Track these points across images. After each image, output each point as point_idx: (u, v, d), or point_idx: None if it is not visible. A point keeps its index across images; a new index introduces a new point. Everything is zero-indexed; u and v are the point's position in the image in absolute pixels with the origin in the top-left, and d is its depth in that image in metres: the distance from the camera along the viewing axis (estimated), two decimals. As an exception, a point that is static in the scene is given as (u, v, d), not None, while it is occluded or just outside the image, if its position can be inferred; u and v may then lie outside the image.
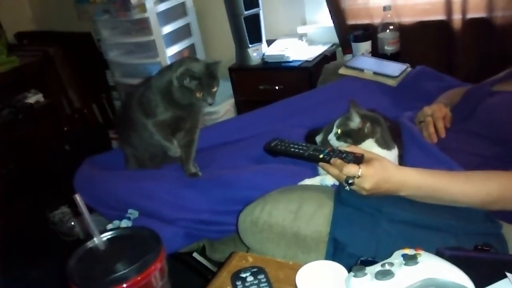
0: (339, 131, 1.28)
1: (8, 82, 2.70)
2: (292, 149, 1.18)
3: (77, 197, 0.76)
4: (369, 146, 1.24)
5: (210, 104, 1.47)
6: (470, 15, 2.11)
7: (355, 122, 1.26)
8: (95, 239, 0.76)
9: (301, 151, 1.15)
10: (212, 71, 1.44)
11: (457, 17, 2.13)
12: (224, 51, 2.80)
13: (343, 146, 1.24)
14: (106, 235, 0.78)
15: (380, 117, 1.32)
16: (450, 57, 2.22)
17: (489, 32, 2.10)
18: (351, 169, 1.02)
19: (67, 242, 2.41)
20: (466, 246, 0.87)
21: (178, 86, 1.42)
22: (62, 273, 0.72)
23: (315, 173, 1.37)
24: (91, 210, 1.41)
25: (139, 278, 0.70)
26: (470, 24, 2.12)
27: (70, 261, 0.73)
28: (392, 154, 1.28)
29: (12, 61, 2.71)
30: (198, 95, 1.42)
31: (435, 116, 1.45)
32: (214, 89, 1.45)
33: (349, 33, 2.37)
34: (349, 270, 0.72)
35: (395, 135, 1.40)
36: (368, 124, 1.26)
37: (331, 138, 1.31)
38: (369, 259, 0.79)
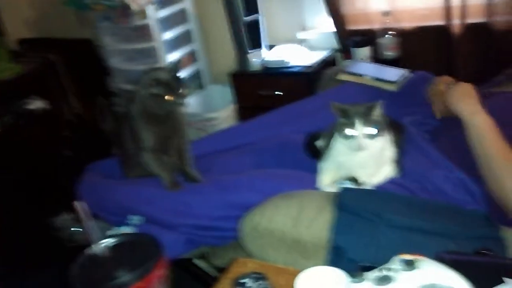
0: (371, 128, 1.27)
1: (9, 88, 2.71)
2: None
3: (78, 204, 0.77)
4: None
5: (181, 105, 1.51)
6: (469, 20, 2.12)
7: (378, 110, 1.28)
8: (96, 245, 0.77)
9: None
10: (175, 74, 1.50)
11: (456, 22, 2.14)
12: (225, 57, 2.81)
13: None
14: (108, 242, 0.79)
15: None
16: (449, 62, 2.23)
17: (488, 37, 2.11)
18: None
19: (69, 248, 2.41)
20: (466, 250, 0.88)
21: (149, 95, 1.47)
22: (63, 279, 0.73)
23: (315, 178, 1.39)
24: (93, 216, 1.42)
25: (140, 284, 0.71)
26: (469, 29, 2.13)
27: (72, 267, 0.74)
28: (384, 137, 1.33)
29: (14, 67, 2.73)
30: (168, 98, 1.46)
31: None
32: (182, 90, 1.49)
33: (349, 39, 2.38)
34: (349, 276, 0.72)
35: (398, 132, 1.45)
36: None
37: (362, 142, 1.27)
38: (369, 264, 0.79)
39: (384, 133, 1.30)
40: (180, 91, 1.48)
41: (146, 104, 1.49)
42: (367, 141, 1.27)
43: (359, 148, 1.26)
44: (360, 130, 1.26)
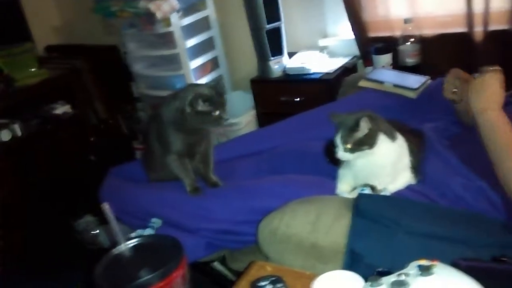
0: (349, 145, 1.28)
1: (37, 93, 2.78)
2: None
3: (105, 206, 0.79)
4: (382, 142, 1.27)
5: (227, 119, 1.53)
6: (492, 27, 2.10)
7: (363, 128, 1.27)
8: (120, 246, 0.80)
9: None
10: (218, 89, 1.51)
11: (478, 29, 2.12)
12: (246, 64, 2.84)
13: (359, 156, 1.26)
14: (131, 243, 0.82)
15: (371, 112, 1.34)
16: (471, 69, 2.20)
17: (511, 44, 2.09)
18: None
19: (91, 250, 2.46)
20: (484, 257, 0.87)
21: (192, 112, 1.46)
22: (85, 280, 0.75)
23: (334, 183, 1.40)
24: (115, 219, 1.45)
25: (161, 285, 0.73)
26: (492, 36, 2.11)
27: (97, 268, 0.76)
28: (397, 145, 1.31)
29: (42, 73, 2.80)
30: (215, 114, 1.47)
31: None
32: (226, 104, 1.51)
33: (370, 46, 2.38)
34: (366, 281, 0.73)
35: (419, 140, 1.44)
36: (373, 122, 1.29)
37: (342, 155, 1.30)
38: (386, 270, 0.80)
39: (369, 146, 1.28)
40: (225, 105, 1.50)
41: (183, 118, 1.48)
42: (346, 154, 1.29)
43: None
44: (339, 143, 1.29)
